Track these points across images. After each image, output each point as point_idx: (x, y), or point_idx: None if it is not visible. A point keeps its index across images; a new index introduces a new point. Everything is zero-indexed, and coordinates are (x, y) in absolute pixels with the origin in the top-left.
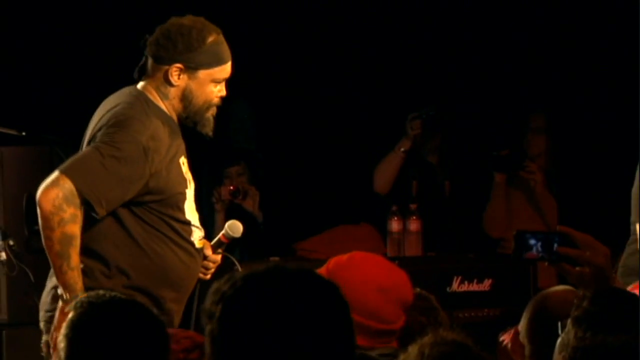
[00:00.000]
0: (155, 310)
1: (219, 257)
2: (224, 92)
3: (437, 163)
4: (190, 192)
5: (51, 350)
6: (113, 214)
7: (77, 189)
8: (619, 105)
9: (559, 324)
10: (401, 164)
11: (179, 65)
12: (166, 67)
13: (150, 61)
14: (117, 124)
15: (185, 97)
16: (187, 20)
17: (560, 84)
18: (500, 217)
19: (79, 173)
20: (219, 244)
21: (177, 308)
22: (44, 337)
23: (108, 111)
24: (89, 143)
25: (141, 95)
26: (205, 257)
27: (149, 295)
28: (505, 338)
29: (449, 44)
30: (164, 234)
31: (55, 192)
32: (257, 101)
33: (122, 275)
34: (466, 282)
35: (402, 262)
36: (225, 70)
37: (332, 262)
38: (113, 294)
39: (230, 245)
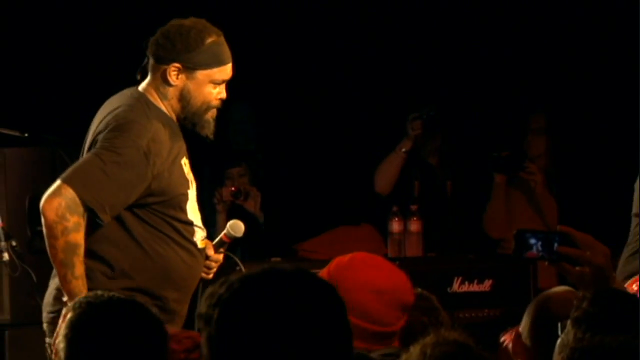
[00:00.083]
0: (154, 310)
1: (221, 257)
2: (224, 95)
3: (438, 164)
4: (192, 192)
5: (53, 356)
6: (116, 218)
7: (80, 197)
8: (618, 106)
9: (559, 324)
10: (402, 164)
11: (177, 64)
12: (165, 66)
13: (151, 61)
14: (117, 128)
15: (184, 97)
16: (188, 21)
17: (560, 85)
18: (500, 218)
19: (81, 181)
20: (221, 243)
21: (180, 308)
22: (48, 339)
23: (108, 114)
24: (90, 147)
25: (142, 98)
26: (207, 257)
27: (152, 295)
28: (506, 338)
29: (450, 45)
30: (166, 234)
31: (58, 201)
32: (258, 102)
33: (125, 277)
34: (466, 283)
35: (403, 262)
36: (224, 71)
37: (334, 262)
38: (111, 293)
39: (231, 246)
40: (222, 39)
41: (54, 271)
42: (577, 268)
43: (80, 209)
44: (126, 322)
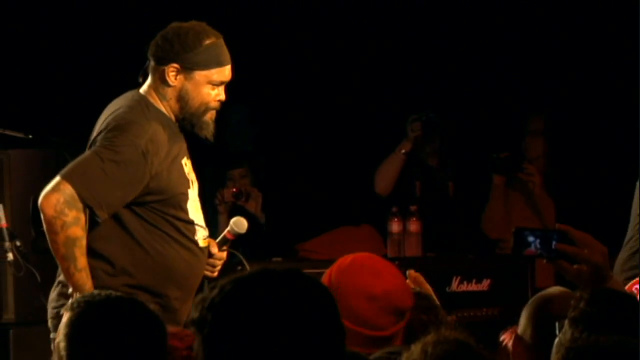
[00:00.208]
0: (153, 308)
1: (225, 255)
2: (222, 97)
3: (437, 165)
4: (193, 192)
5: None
6: (115, 215)
7: (78, 194)
8: (616, 108)
9: (557, 324)
10: (402, 165)
11: (175, 65)
12: (164, 67)
13: (151, 63)
14: (117, 127)
15: (182, 98)
16: (188, 24)
17: (558, 88)
18: (499, 218)
19: (79, 178)
20: (225, 241)
21: (182, 307)
22: (52, 334)
23: (109, 115)
24: (90, 147)
25: (142, 99)
26: (211, 255)
27: (153, 293)
28: (506, 337)
29: (449, 47)
30: (166, 233)
31: (56, 197)
32: (259, 104)
33: (125, 275)
34: (465, 282)
35: (402, 262)
36: (222, 73)
37: (337, 264)
38: (109, 292)
39: (233, 246)
40: (221, 41)
41: (60, 269)
42: (575, 266)
43: (79, 205)
44: (125, 320)
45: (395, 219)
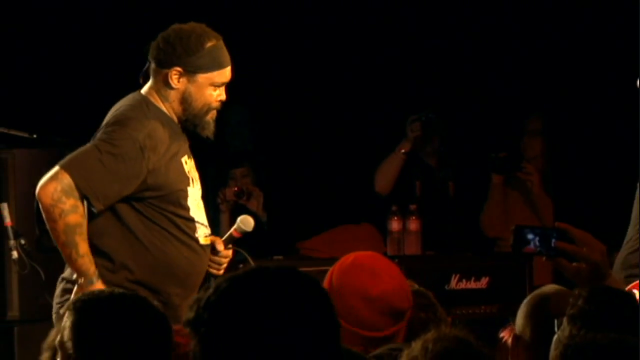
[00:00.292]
0: (156, 303)
1: (230, 252)
2: (223, 96)
3: (436, 164)
4: (193, 190)
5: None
6: (114, 210)
7: (76, 184)
8: (613, 108)
9: (555, 321)
10: (401, 165)
11: (178, 68)
12: (166, 70)
13: (152, 65)
14: (116, 122)
15: (185, 100)
16: (188, 26)
17: (556, 88)
18: (497, 217)
19: (78, 168)
20: (231, 239)
21: (183, 303)
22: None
23: (110, 113)
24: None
25: (143, 99)
26: (217, 253)
27: (152, 289)
28: (505, 334)
29: (448, 48)
30: (165, 229)
31: (53, 185)
32: (258, 104)
33: (125, 270)
34: (464, 280)
35: (402, 260)
36: (224, 74)
37: (338, 263)
38: (112, 289)
39: (239, 244)
40: (221, 43)
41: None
42: (574, 264)
43: (76, 194)
44: (132, 317)
45: (395, 218)
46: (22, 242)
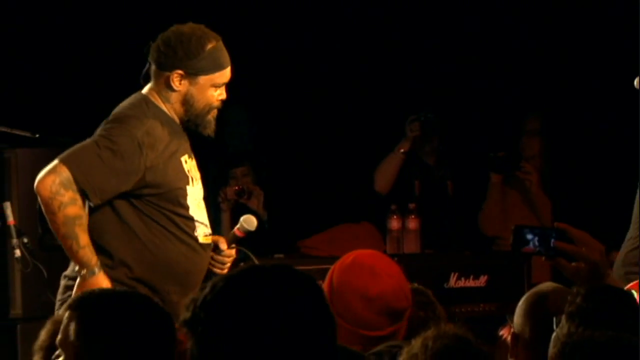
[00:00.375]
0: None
1: (234, 252)
2: (224, 95)
3: (435, 164)
4: (193, 189)
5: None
6: (113, 207)
7: (74, 177)
8: (611, 108)
9: (554, 319)
10: (400, 164)
11: (179, 71)
12: (168, 73)
13: (153, 67)
14: (115, 120)
15: (187, 102)
16: (187, 28)
17: (554, 88)
18: (496, 216)
19: (76, 162)
20: (234, 238)
21: (181, 300)
22: None
23: (112, 113)
24: None
25: (143, 98)
26: (220, 252)
27: (151, 287)
28: (505, 332)
29: (447, 48)
30: (164, 227)
31: (52, 178)
32: (257, 104)
33: (124, 267)
34: (463, 279)
35: (401, 259)
36: (224, 75)
37: (340, 261)
38: (116, 289)
39: (242, 243)
40: (220, 44)
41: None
42: (573, 264)
43: (75, 187)
44: (138, 315)
45: (395, 217)
46: (25, 240)
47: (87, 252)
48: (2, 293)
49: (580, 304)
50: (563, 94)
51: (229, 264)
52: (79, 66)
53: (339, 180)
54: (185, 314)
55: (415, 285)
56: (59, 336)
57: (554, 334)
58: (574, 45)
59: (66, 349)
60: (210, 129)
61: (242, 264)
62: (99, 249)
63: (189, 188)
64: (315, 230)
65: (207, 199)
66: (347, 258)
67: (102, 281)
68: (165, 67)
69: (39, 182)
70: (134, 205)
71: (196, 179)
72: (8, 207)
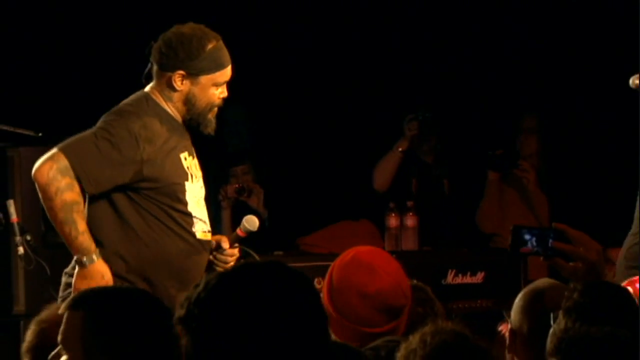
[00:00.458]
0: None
1: (236, 251)
2: (225, 94)
3: (433, 162)
4: (192, 185)
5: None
6: (111, 201)
7: (71, 165)
8: (609, 106)
9: (551, 315)
10: (399, 163)
11: (181, 72)
12: (169, 73)
13: (155, 67)
14: (114, 113)
15: (189, 101)
16: (188, 28)
17: (551, 88)
18: (493, 214)
19: (74, 151)
20: (236, 238)
21: (179, 295)
22: None
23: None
24: None
25: (145, 96)
26: (222, 251)
27: (148, 281)
28: (504, 328)
29: (445, 48)
30: (161, 221)
31: (49, 164)
32: (256, 103)
33: (121, 261)
34: (460, 275)
35: (399, 256)
36: (225, 74)
37: (340, 258)
38: (118, 285)
39: (244, 243)
40: (221, 43)
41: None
42: (571, 263)
43: (72, 173)
44: (143, 311)
45: (393, 214)
46: (28, 238)
47: (87, 238)
48: (5, 290)
49: (577, 300)
50: (559, 93)
51: (231, 263)
52: (82, 65)
53: (338, 179)
54: (179, 311)
55: (415, 282)
56: (60, 336)
57: (552, 330)
58: (570, 44)
59: (72, 349)
60: (211, 127)
61: (242, 260)
62: (96, 242)
63: (187, 184)
64: (314, 228)
65: (207, 196)
66: (347, 255)
67: (102, 267)
68: (167, 67)
69: (37, 169)
70: (132, 199)
71: (196, 177)
72: (11, 205)
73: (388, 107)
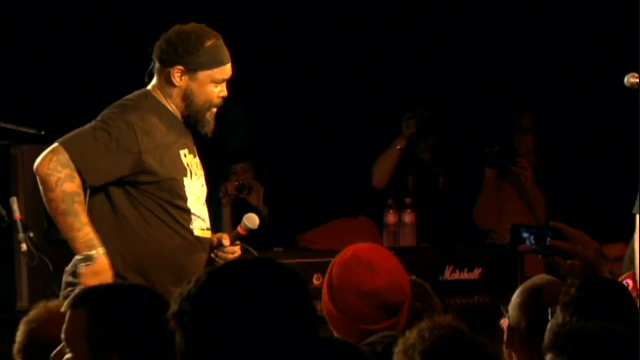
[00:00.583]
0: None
1: (237, 249)
2: (224, 92)
3: (430, 160)
4: (191, 182)
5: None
6: (109, 195)
7: (71, 158)
8: (604, 104)
9: (549, 310)
10: (397, 160)
11: (180, 67)
12: (169, 69)
13: (156, 65)
14: (113, 107)
15: (187, 97)
16: (188, 27)
17: (547, 86)
18: (490, 210)
19: (74, 144)
20: (237, 236)
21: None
22: None
23: None
24: None
25: (144, 93)
26: (223, 249)
27: (146, 277)
28: (504, 323)
29: (443, 47)
30: (158, 217)
31: (49, 157)
32: (255, 102)
33: (118, 256)
34: (457, 271)
35: (397, 252)
36: (224, 71)
37: (339, 255)
38: (118, 282)
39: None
40: (220, 42)
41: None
42: (568, 261)
43: (72, 165)
44: (149, 308)
45: (391, 211)
46: (31, 235)
47: (89, 230)
48: (8, 286)
49: (574, 295)
50: (556, 91)
51: None
52: (84, 64)
53: (337, 176)
54: (172, 307)
55: (414, 277)
56: (63, 335)
57: (549, 325)
58: (566, 43)
59: (76, 347)
60: (208, 128)
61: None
62: None
63: (186, 180)
64: (314, 225)
65: (207, 193)
66: (346, 253)
67: (108, 261)
68: (167, 63)
69: (38, 163)
70: (130, 194)
71: (196, 175)
72: (14, 202)
73: (386, 106)
